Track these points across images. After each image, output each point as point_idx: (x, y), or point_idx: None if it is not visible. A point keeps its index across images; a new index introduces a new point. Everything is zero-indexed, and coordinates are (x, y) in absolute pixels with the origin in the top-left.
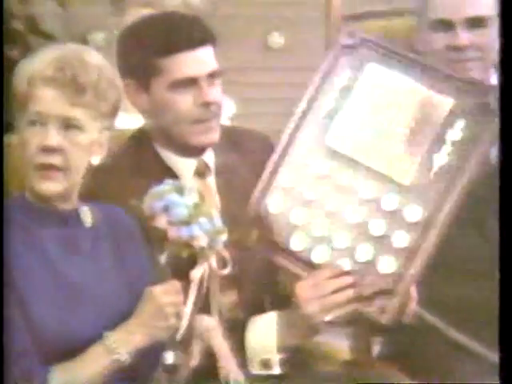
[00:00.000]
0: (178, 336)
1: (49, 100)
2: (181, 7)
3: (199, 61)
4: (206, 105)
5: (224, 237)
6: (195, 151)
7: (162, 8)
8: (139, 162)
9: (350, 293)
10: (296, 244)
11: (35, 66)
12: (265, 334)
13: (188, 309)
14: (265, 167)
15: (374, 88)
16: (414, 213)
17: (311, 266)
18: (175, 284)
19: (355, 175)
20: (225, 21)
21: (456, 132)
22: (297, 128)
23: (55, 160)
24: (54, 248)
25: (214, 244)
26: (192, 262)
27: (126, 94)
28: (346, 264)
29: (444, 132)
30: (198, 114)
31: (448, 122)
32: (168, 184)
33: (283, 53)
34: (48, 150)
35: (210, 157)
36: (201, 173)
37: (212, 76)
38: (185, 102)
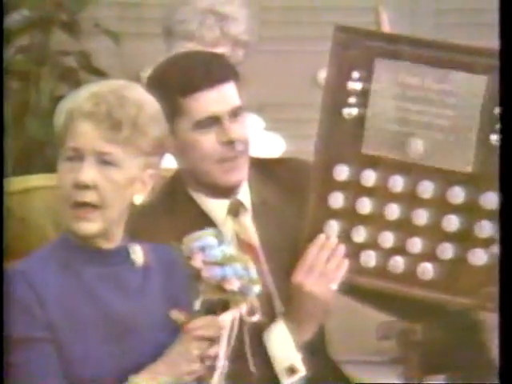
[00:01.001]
0: (214, 381)
1: (85, 135)
2: (221, 40)
3: (220, 98)
4: (230, 143)
5: (257, 288)
6: (225, 191)
7: (199, 40)
8: (173, 204)
9: (341, 259)
10: (367, 262)
11: (75, 101)
12: (280, 342)
13: (221, 353)
14: (303, 192)
15: (392, 83)
16: (490, 199)
17: (391, 278)
18: (213, 319)
19: (407, 178)
20: (274, 56)
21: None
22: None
23: (90, 197)
24: (100, 286)
25: (247, 292)
26: (224, 308)
27: None
28: (428, 268)
29: (491, 109)
30: (222, 153)
31: (491, 99)
32: (208, 230)
33: None
34: (82, 186)
35: (245, 195)
36: (235, 212)
37: (235, 113)
38: (208, 141)
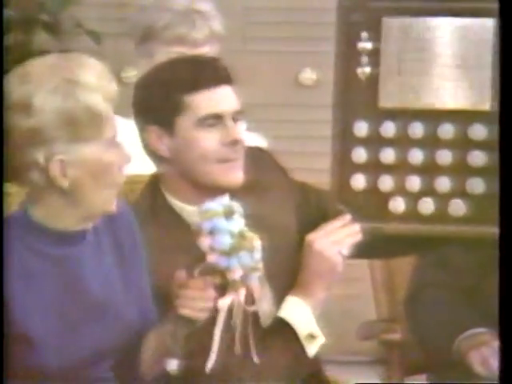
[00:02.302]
0: (208, 367)
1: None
2: (208, 39)
3: (224, 98)
4: (233, 143)
5: (258, 274)
6: (221, 192)
7: (191, 42)
8: (153, 210)
9: (357, 231)
10: (396, 207)
11: None
12: (296, 312)
13: (216, 338)
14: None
15: (401, 40)
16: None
17: (420, 218)
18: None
19: (426, 123)
20: (256, 57)
21: None
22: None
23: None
24: (65, 267)
25: (247, 279)
26: (221, 289)
27: (148, 140)
28: (459, 204)
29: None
30: (225, 153)
31: (498, 40)
32: (220, 205)
33: (315, 89)
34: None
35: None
36: None
37: (236, 116)
38: (211, 139)
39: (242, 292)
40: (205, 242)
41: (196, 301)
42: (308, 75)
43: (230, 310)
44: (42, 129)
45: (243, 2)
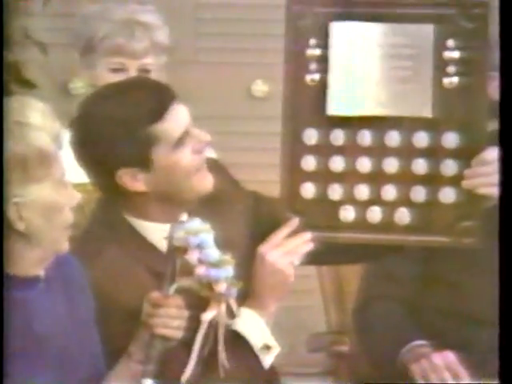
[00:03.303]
0: (184, 378)
1: None
2: (150, 50)
3: (182, 112)
4: (201, 149)
5: (236, 289)
6: (179, 211)
7: (130, 53)
8: (111, 232)
9: (307, 240)
10: (346, 216)
11: None
12: (249, 324)
13: (195, 351)
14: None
15: (348, 45)
16: (450, 139)
17: (368, 227)
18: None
19: (374, 131)
20: (207, 68)
21: (452, 52)
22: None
23: None
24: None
25: (229, 293)
26: (199, 305)
27: (119, 183)
28: (404, 213)
29: (440, 55)
30: (198, 161)
31: (439, 46)
32: (201, 223)
33: (266, 101)
34: None
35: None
36: None
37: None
38: (187, 155)
39: (223, 306)
40: (193, 256)
41: (172, 319)
42: (260, 87)
43: (211, 324)
44: None
45: (194, 13)
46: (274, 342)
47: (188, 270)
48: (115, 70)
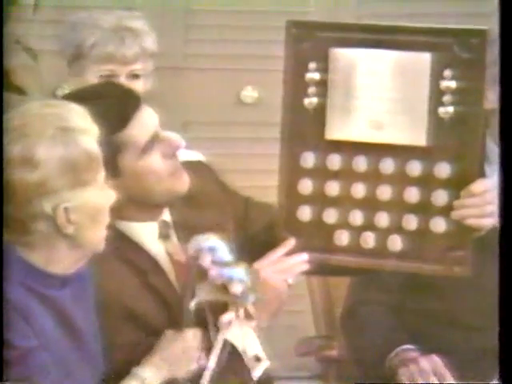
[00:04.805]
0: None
1: None
2: (139, 56)
3: (149, 117)
4: (173, 152)
5: (253, 297)
6: (158, 211)
7: (120, 59)
8: None
9: (302, 260)
10: (341, 240)
11: None
12: (241, 336)
13: (214, 356)
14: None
15: (347, 70)
16: (443, 169)
17: (361, 252)
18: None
19: (369, 157)
20: (197, 74)
21: (449, 81)
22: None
23: None
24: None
25: (246, 297)
26: (218, 313)
27: None
28: (397, 240)
29: (437, 84)
30: (170, 165)
31: (436, 74)
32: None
33: (256, 107)
34: None
35: (167, 216)
36: (165, 234)
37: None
38: (157, 159)
39: (242, 312)
40: (206, 259)
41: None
42: (249, 93)
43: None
44: (47, 180)
45: (184, 19)
46: (264, 355)
47: (203, 275)
48: (104, 77)
